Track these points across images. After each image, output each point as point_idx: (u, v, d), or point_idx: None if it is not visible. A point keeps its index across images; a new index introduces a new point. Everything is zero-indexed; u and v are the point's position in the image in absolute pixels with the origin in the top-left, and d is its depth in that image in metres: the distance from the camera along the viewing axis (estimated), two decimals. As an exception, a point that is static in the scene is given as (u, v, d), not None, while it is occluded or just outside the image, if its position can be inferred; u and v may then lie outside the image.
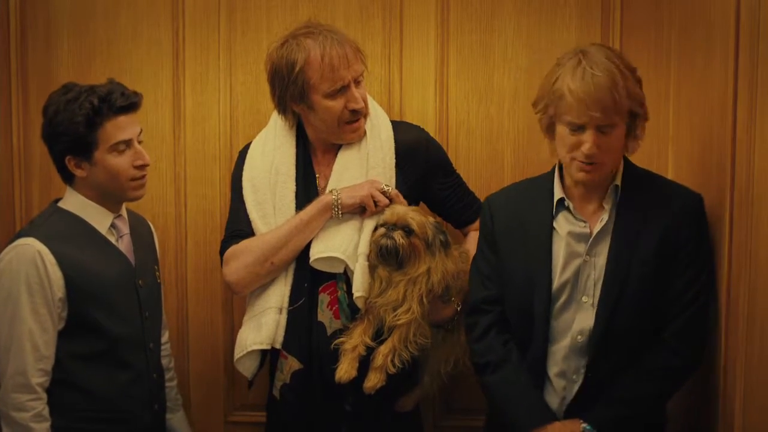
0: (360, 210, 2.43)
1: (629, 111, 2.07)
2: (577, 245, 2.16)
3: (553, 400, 2.18)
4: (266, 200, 2.49)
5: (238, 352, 2.48)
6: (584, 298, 2.14)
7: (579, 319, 2.14)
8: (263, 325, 2.45)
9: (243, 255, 2.46)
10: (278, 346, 2.45)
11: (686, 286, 2.11)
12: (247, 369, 2.50)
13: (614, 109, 2.03)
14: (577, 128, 2.07)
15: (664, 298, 2.11)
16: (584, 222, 2.17)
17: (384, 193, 2.41)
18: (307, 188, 2.50)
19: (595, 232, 2.15)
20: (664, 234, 2.10)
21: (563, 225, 2.18)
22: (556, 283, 2.16)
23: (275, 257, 2.43)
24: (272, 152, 2.51)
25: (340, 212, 2.41)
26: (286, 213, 2.46)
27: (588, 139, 2.05)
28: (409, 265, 2.36)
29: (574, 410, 2.15)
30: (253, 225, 2.50)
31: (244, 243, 2.48)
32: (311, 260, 2.41)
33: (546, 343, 2.17)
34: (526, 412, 2.16)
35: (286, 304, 2.45)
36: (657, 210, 2.12)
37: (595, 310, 2.12)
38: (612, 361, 2.12)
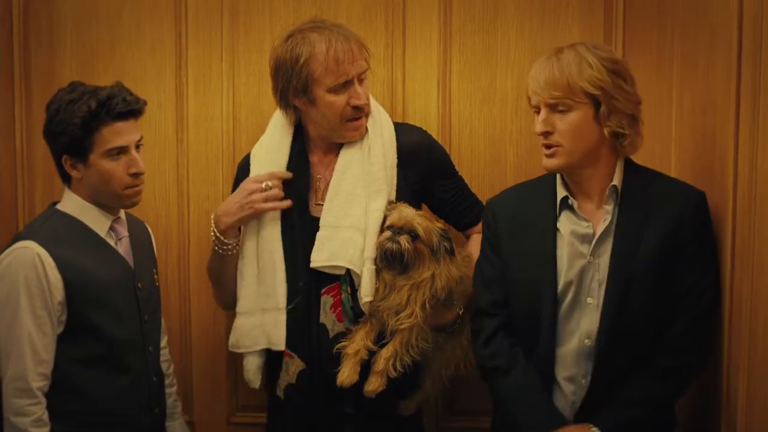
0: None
1: (590, 95, 2.04)
2: (581, 246, 2.14)
3: (562, 404, 2.16)
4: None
5: (243, 348, 2.50)
6: (589, 300, 2.12)
7: (585, 322, 2.12)
8: (266, 326, 2.46)
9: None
10: (281, 347, 2.44)
11: (693, 284, 2.08)
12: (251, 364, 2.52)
13: (562, 87, 2.04)
14: (537, 111, 2.11)
15: (670, 297, 2.09)
16: (587, 222, 2.14)
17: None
18: (299, 194, 2.46)
19: (599, 232, 2.13)
20: (667, 232, 2.08)
21: (566, 225, 2.16)
22: (561, 284, 2.14)
23: (220, 292, 2.60)
24: (265, 157, 2.50)
25: (222, 247, 2.45)
26: (271, 221, 2.45)
27: (540, 117, 2.09)
28: (413, 269, 2.35)
29: (582, 415, 2.12)
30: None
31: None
32: (311, 265, 2.40)
33: (553, 346, 2.14)
34: (537, 415, 2.14)
35: (283, 305, 2.45)
36: (659, 208, 2.10)
37: (599, 312, 2.10)
38: (619, 363, 2.10)
